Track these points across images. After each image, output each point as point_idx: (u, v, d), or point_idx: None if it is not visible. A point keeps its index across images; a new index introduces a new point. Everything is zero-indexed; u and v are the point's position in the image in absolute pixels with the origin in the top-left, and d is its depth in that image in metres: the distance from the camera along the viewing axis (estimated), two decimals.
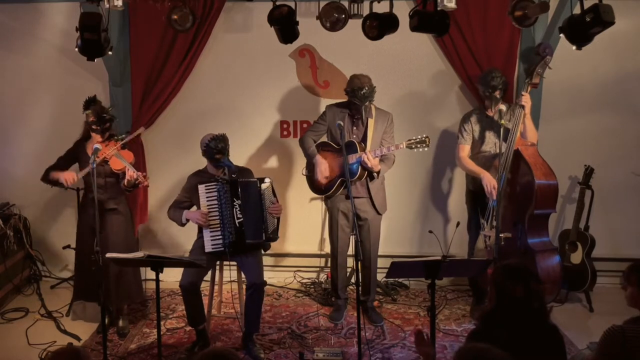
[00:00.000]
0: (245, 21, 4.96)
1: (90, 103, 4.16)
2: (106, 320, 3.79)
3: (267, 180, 4.14)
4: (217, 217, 4.07)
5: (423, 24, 3.61)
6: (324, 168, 4.33)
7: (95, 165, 3.69)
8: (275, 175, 4.79)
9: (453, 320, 4.54)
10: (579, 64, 4.78)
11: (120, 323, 4.32)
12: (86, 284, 4.20)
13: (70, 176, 4.10)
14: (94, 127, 4.11)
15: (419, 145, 4.11)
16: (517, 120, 4.16)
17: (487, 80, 4.30)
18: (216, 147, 4.05)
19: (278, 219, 4.17)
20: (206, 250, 4.05)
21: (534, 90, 4.36)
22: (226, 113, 5.08)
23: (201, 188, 4.09)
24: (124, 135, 4.24)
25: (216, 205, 4.07)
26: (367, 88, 4.16)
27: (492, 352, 2.11)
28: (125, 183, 4.03)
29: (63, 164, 4.23)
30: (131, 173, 3.98)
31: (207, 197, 4.08)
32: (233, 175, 4.11)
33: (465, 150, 4.45)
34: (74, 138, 4.34)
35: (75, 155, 4.22)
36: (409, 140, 4.14)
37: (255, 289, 3.96)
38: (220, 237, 4.05)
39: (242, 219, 4.05)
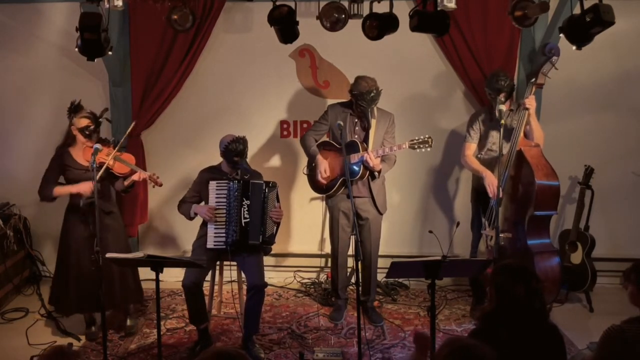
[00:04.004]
0: (245, 21, 4.96)
1: (78, 108, 4.01)
2: (104, 322, 3.73)
3: (273, 184, 4.15)
4: (224, 215, 4.07)
5: (423, 24, 3.61)
6: (323, 169, 4.33)
7: (95, 165, 3.64)
8: (275, 175, 4.79)
9: (453, 320, 4.54)
10: (579, 64, 4.78)
11: (128, 322, 4.30)
12: (86, 294, 4.02)
13: (87, 187, 3.91)
14: (87, 132, 3.95)
15: (421, 146, 4.11)
16: (521, 121, 4.16)
17: (492, 83, 4.24)
18: (235, 150, 4.03)
19: (278, 224, 4.17)
20: (207, 246, 4.05)
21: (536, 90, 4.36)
22: (226, 113, 5.08)
23: (212, 184, 4.10)
24: (120, 140, 4.12)
25: (224, 203, 4.07)
26: (374, 91, 4.16)
27: (477, 349, 2.06)
28: (126, 183, 4.01)
29: (53, 178, 4.03)
30: (141, 174, 3.97)
31: (216, 194, 4.09)
32: (245, 177, 4.11)
33: (471, 148, 4.44)
34: None
35: (61, 164, 4.02)
36: (412, 140, 4.13)
37: (256, 291, 3.96)
38: (224, 234, 4.06)
39: (248, 220, 4.05)
